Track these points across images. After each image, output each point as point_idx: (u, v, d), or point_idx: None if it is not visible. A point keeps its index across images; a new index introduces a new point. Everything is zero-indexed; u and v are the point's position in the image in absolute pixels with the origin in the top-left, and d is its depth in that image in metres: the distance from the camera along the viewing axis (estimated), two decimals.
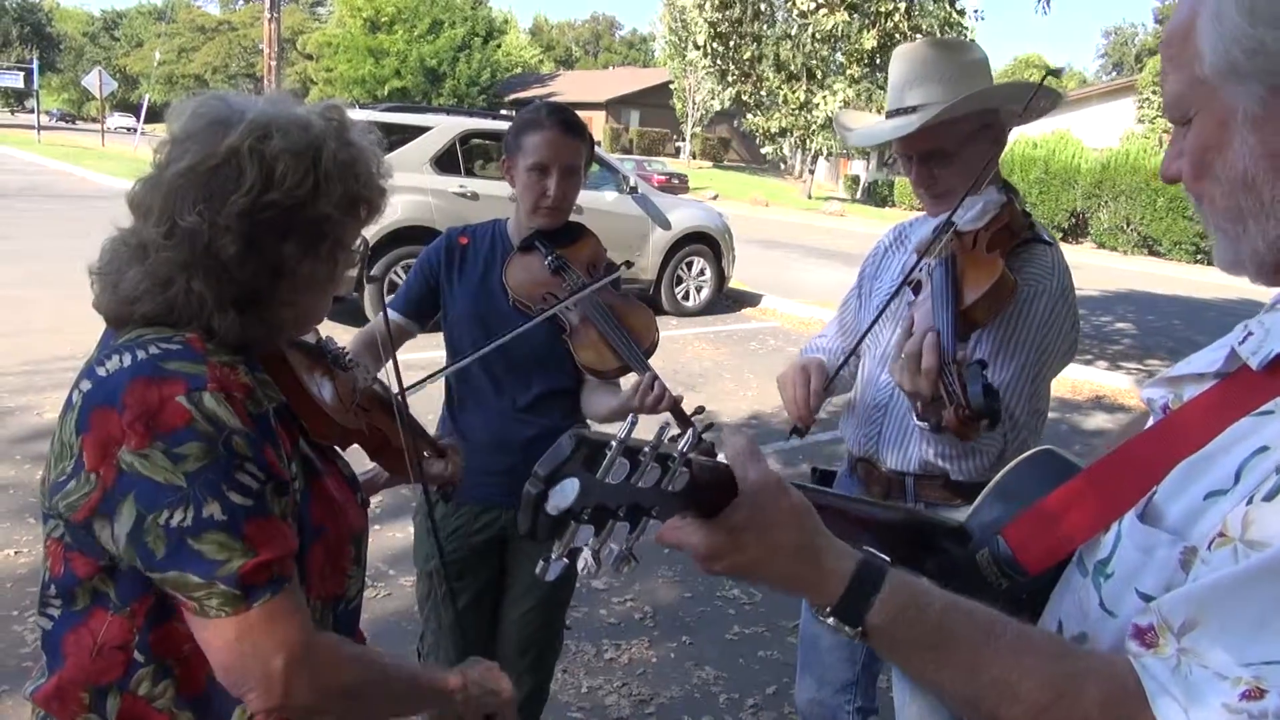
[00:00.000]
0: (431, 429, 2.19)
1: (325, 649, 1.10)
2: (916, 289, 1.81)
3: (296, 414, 1.21)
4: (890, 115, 1.93)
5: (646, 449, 0.72)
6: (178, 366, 1.04)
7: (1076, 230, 25.01)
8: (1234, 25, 0.78)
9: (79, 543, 1.07)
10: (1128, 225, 23.71)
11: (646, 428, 0.73)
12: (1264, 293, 0.90)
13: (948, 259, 1.74)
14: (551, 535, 0.72)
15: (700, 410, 1.92)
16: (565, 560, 0.73)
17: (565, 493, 0.70)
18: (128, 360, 1.05)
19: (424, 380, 2.10)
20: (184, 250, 1.10)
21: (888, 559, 0.84)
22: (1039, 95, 2.00)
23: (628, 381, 2.16)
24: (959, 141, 1.83)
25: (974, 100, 1.80)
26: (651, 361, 2.09)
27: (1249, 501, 0.73)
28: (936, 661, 0.81)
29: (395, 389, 1.57)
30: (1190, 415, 0.87)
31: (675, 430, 0.77)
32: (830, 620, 0.82)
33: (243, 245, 1.10)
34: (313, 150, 1.12)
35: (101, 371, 1.05)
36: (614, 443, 0.70)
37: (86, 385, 1.06)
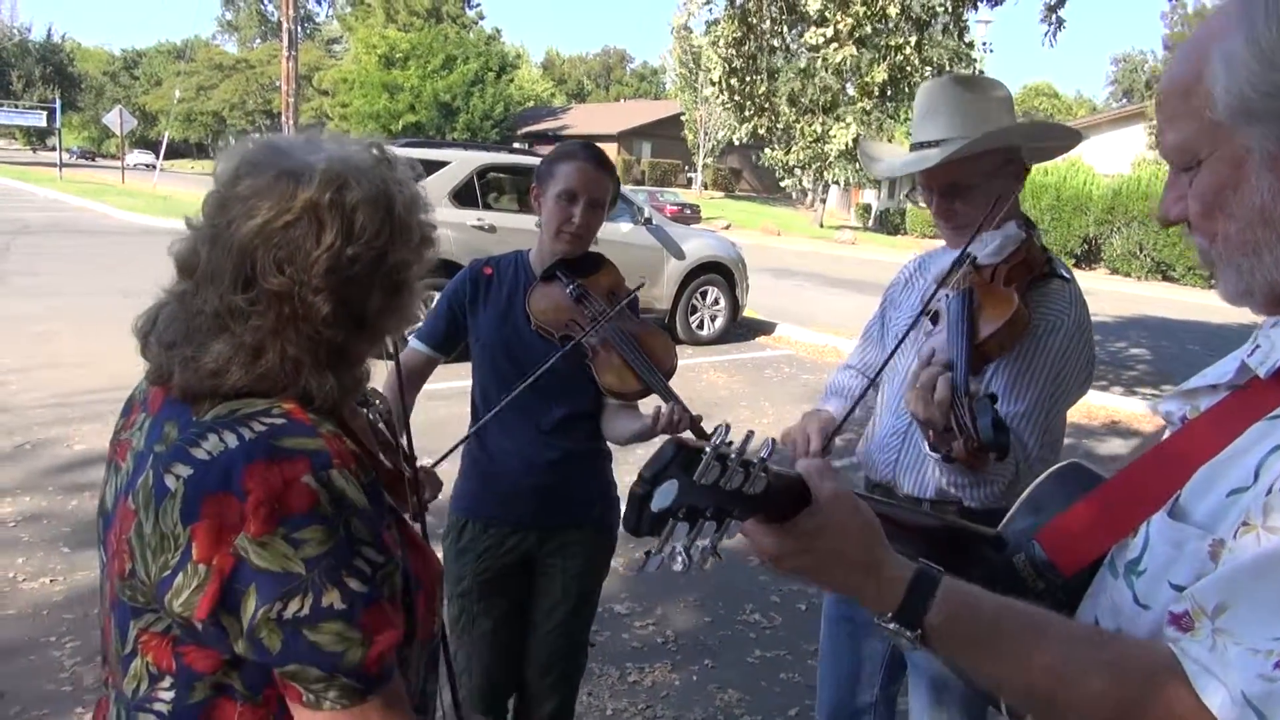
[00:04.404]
0: (457, 454, 2.28)
1: None
2: (935, 319, 1.87)
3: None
4: (914, 148, 2.00)
5: (733, 454, 0.79)
6: (294, 443, 0.99)
7: (1089, 256, 25.03)
8: (1249, 69, 0.83)
9: (195, 638, 1.01)
10: (1140, 251, 23.73)
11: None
12: None
13: (965, 291, 1.79)
14: (653, 531, 0.79)
15: (725, 427, 1.99)
16: (661, 556, 0.81)
17: (666, 493, 0.77)
18: (234, 441, 0.98)
19: (457, 445, 2.21)
20: (273, 315, 1.04)
21: (940, 569, 0.92)
22: (1063, 135, 2.08)
23: (645, 405, 2.24)
24: (980, 177, 1.88)
25: (995, 138, 1.85)
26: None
27: (1269, 492, 0.80)
28: (992, 656, 0.88)
29: (401, 423, 1.58)
30: (1207, 423, 0.94)
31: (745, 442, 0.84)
32: (891, 626, 0.89)
33: (335, 303, 1.06)
34: (386, 197, 1.09)
35: (201, 454, 0.98)
36: (708, 448, 0.78)
37: (185, 470, 0.97)
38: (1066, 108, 66.11)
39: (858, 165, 17.42)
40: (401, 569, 1.09)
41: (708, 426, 2.05)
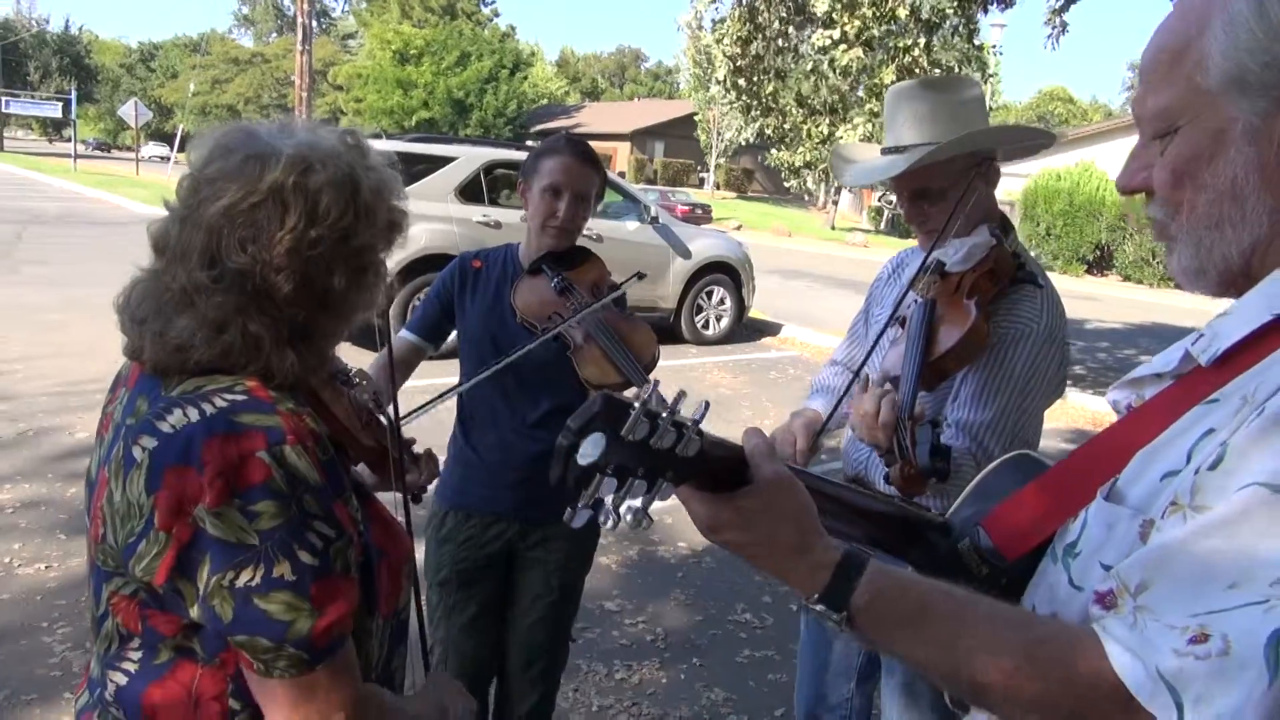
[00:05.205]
0: (443, 445, 2.28)
1: (373, 701, 1.12)
2: (905, 324, 1.86)
3: (337, 442, 1.22)
4: (884, 152, 1.99)
5: (665, 414, 0.79)
6: (252, 420, 1.03)
7: (1101, 263, 24.90)
8: (1250, 37, 0.82)
9: (158, 602, 1.06)
10: (1153, 258, 23.58)
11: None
12: None
13: (927, 303, 1.78)
14: (579, 485, 0.79)
15: (654, 383, 1.99)
16: (590, 510, 0.80)
17: (593, 446, 0.77)
18: (195, 415, 1.02)
19: (431, 402, 2.20)
20: (235, 292, 1.08)
21: (869, 552, 0.92)
22: (1032, 135, 2.07)
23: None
24: (949, 180, 1.86)
25: (961, 144, 1.84)
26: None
27: (1196, 472, 0.80)
28: (917, 637, 0.88)
29: (390, 404, 1.61)
30: (1149, 410, 0.94)
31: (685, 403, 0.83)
32: (818, 608, 0.89)
33: (297, 282, 1.09)
34: (351, 181, 1.12)
35: (165, 427, 1.02)
36: (636, 404, 0.78)
37: (150, 442, 1.02)
38: (1081, 113, 65.86)
39: None
40: (362, 543, 1.13)
41: (708, 426, 2.02)
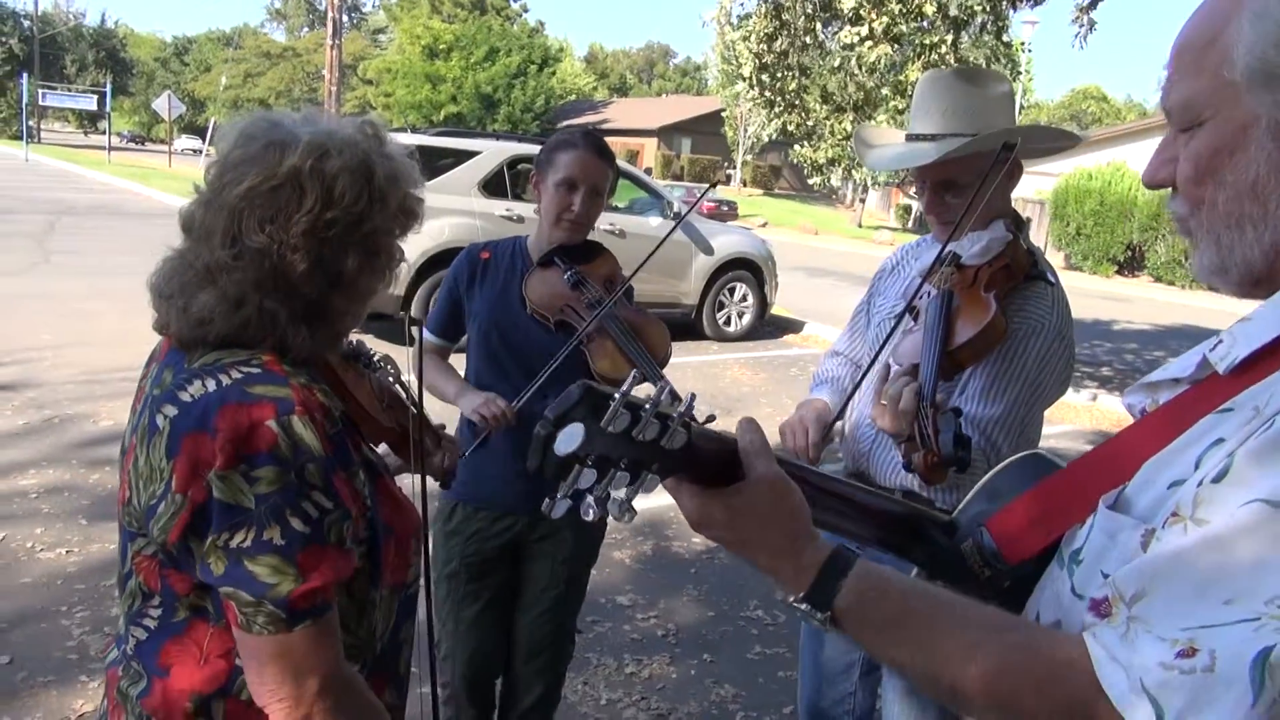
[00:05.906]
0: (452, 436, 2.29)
1: (353, 679, 1.17)
2: (916, 315, 1.85)
3: (352, 419, 1.27)
4: (910, 139, 1.97)
5: (647, 405, 0.77)
6: (263, 390, 1.09)
7: (1132, 264, 24.57)
8: (1276, 31, 0.80)
9: (174, 562, 1.12)
10: (1185, 259, 23.25)
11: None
12: None
13: (945, 294, 1.77)
14: (557, 476, 0.77)
15: (636, 375, 1.99)
16: (570, 501, 0.79)
17: (571, 437, 0.75)
18: (212, 385, 1.09)
19: (485, 436, 2.23)
20: (253, 270, 1.14)
21: (857, 552, 0.91)
22: (1061, 137, 2.04)
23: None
24: (974, 174, 1.85)
25: (993, 139, 1.82)
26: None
27: (1199, 483, 0.78)
28: (897, 640, 0.87)
29: (414, 387, 1.65)
30: (1162, 417, 0.92)
31: (675, 397, 0.82)
32: (802, 607, 0.88)
33: (311, 262, 1.16)
34: (366, 167, 1.18)
35: (185, 397, 1.09)
36: (617, 395, 0.76)
37: (172, 411, 1.09)
38: (1115, 111, 65.07)
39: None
40: (368, 518, 1.19)
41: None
